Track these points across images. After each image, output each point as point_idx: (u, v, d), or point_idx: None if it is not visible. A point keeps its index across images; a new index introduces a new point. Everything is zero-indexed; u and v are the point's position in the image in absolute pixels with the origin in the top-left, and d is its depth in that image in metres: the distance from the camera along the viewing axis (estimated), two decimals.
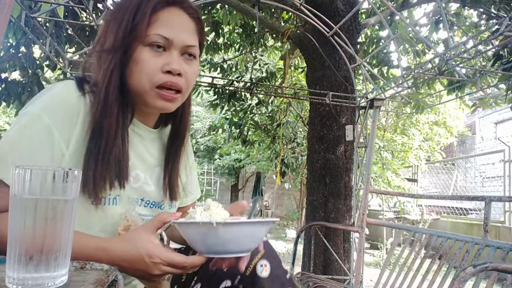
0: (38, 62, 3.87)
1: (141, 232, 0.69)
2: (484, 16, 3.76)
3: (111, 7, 3.64)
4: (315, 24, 2.41)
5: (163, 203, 0.91)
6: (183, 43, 0.78)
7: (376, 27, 4.51)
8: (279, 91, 4.01)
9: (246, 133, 5.65)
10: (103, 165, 0.74)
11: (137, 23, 0.75)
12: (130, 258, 0.67)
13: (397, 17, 3.70)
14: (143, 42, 0.76)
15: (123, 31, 0.76)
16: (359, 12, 3.98)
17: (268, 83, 5.21)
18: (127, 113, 0.81)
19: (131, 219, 0.79)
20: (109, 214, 0.79)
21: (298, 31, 3.41)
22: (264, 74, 5.48)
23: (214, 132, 8.23)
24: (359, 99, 2.70)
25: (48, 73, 5.15)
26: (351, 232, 2.80)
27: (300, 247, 3.23)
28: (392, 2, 3.96)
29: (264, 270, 0.80)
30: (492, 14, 3.41)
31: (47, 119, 0.71)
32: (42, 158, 0.71)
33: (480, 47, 2.87)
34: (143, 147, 0.88)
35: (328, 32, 2.41)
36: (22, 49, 3.81)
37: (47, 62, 3.97)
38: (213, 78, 2.99)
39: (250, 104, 5.45)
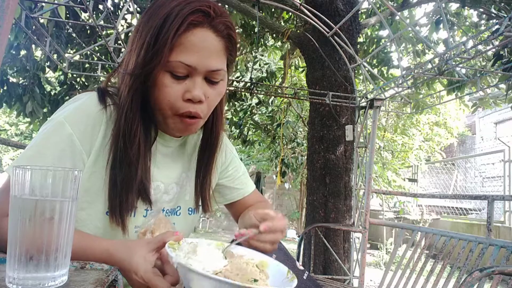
0: (38, 63, 3.87)
1: (140, 246, 0.69)
2: (484, 16, 3.76)
3: (110, 7, 3.64)
4: (315, 24, 2.41)
5: (179, 209, 0.91)
6: (207, 69, 0.74)
7: (376, 27, 4.51)
8: (279, 91, 4.01)
9: (246, 133, 5.66)
10: (129, 193, 0.76)
11: (158, 49, 0.70)
12: (125, 267, 0.67)
13: (397, 17, 3.70)
14: (164, 67, 0.72)
15: (144, 57, 0.72)
16: (359, 12, 3.98)
17: (268, 83, 5.22)
18: (150, 133, 0.81)
19: (159, 224, 0.79)
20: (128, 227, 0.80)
21: (298, 31, 3.41)
22: (264, 74, 5.48)
23: None
24: (359, 99, 2.70)
25: (49, 74, 5.15)
26: (351, 232, 2.80)
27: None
28: (392, 2, 3.96)
29: None
30: (492, 14, 3.41)
31: (69, 128, 0.73)
32: (64, 166, 0.72)
33: (480, 47, 2.87)
34: (167, 158, 0.87)
35: (328, 32, 2.41)
36: (23, 51, 3.81)
37: (48, 63, 3.97)
38: None
39: (250, 104, 5.45)
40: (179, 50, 0.71)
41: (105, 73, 3.68)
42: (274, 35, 4.26)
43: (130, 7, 1.98)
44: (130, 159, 0.75)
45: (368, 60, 4.26)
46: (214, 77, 0.76)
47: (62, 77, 4.52)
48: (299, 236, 2.70)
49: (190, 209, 0.93)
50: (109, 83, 0.84)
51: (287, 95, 3.67)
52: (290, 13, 3.72)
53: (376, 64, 4.47)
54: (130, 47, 0.77)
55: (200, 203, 0.93)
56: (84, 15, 3.82)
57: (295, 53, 4.92)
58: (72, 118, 0.74)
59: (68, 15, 3.29)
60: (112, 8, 3.67)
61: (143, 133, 0.78)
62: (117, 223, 0.76)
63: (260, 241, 0.76)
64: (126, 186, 0.76)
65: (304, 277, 0.79)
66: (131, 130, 0.75)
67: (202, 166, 0.91)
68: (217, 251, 0.69)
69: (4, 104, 3.76)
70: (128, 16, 4.21)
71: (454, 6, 4.01)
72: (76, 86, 4.15)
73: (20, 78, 3.91)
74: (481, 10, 3.50)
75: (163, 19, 0.71)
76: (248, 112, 5.43)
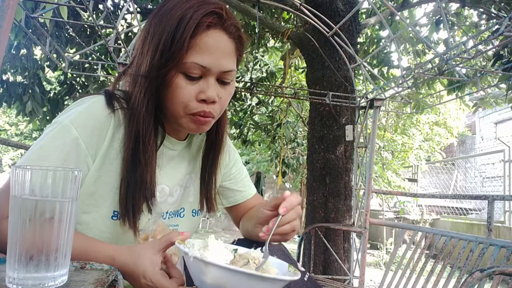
0: (38, 62, 3.87)
1: (146, 249, 0.69)
2: (484, 16, 3.76)
3: (110, 7, 3.64)
4: (315, 24, 2.41)
5: (182, 211, 0.91)
6: (220, 69, 0.75)
7: (376, 27, 4.51)
8: (279, 91, 4.01)
9: (246, 133, 5.65)
10: (140, 196, 0.76)
11: (174, 51, 0.71)
12: (129, 272, 0.67)
13: (397, 17, 3.70)
14: (179, 68, 0.73)
15: (159, 58, 0.72)
16: (359, 12, 3.98)
17: (268, 83, 5.21)
18: (159, 136, 0.81)
19: (160, 229, 0.79)
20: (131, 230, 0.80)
21: (298, 31, 3.41)
22: (264, 74, 5.49)
23: None
24: (359, 99, 2.70)
25: (49, 73, 5.15)
26: (351, 232, 2.80)
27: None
28: (392, 2, 3.96)
29: None
30: (492, 14, 3.41)
31: (75, 132, 0.72)
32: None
33: (480, 47, 2.87)
34: (172, 161, 0.88)
35: (328, 32, 2.41)
36: (23, 51, 3.80)
37: (48, 63, 3.97)
38: None
39: (250, 104, 5.45)
40: (194, 51, 0.72)
41: (105, 73, 3.68)
42: (274, 35, 4.26)
43: (130, 7, 1.98)
44: (144, 162, 0.75)
45: (368, 60, 4.26)
46: (226, 77, 0.77)
47: (62, 77, 4.52)
48: (299, 236, 2.70)
49: (194, 211, 0.93)
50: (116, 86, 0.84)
51: (287, 95, 3.67)
52: (290, 13, 3.72)
53: (376, 64, 4.47)
54: (141, 49, 0.77)
55: (205, 204, 0.93)
56: (84, 15, 3.81)
57: (295, 53, 4.91)
58: (78, 122, 0.73)
59: (68, 15, 3.29)
60: (112, 8, 3.67)
61: (156, 135, 0.79)
62: (130, 226, 0.76)
63: (281, 224, 0.76)
64: (139, 189, 0.76)
65: (305, 279, 0.79)
66: (147, 132, 0.75)
67: (207, 167, 0.91)
68: (225, 248, 0.69)
69: (4, 104, 3.76)
70: (128, 16, 4.22)
71: (454, 6, 4.01)
72: (76, 86, 4.15)
73: (20, 78, 3.91)
74: (481, 10, 3.50)
75: (177, 21, 0.71)
76: (248, 112, 5.43)
